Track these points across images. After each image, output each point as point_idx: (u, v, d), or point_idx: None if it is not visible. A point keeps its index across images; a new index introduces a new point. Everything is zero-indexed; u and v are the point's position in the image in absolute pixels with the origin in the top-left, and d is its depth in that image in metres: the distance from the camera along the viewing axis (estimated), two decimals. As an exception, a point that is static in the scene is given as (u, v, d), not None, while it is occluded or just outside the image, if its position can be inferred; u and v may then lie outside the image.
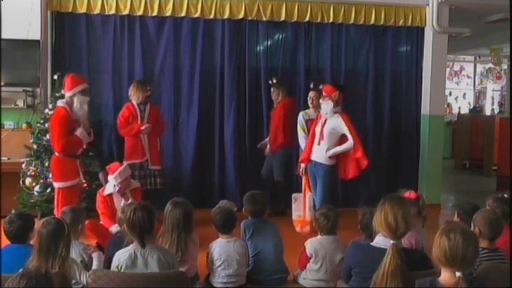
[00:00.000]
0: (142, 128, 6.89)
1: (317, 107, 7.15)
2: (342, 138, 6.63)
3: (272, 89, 7.84)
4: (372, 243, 3.42)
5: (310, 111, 7.39)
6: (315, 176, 6.72)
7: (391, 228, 3.17)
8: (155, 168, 7.01)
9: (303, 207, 6.90)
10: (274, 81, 7.80)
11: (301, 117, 7.39)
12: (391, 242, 3.12)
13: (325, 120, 6.62)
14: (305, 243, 4.33)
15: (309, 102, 7.42)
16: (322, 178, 6.63)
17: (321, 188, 6.62)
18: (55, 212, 5.72)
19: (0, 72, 6.63)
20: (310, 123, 7.19)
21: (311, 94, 7.39)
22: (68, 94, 5.83)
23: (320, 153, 6.63)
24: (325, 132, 6.57)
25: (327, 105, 6.60)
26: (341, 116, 6.58)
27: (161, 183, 7.05)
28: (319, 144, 6.63)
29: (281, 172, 7.74)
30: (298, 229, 6.87)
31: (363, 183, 8.26)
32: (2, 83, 7.24)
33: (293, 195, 7.07)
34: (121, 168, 5.82)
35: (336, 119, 6.56)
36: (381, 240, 3.32)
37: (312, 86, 7.46)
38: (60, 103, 5.84)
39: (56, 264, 3.36)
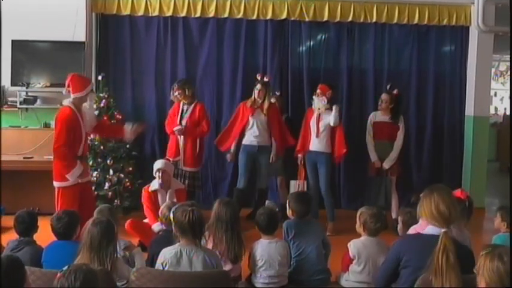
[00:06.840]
0: (174, 128, 6.91)
1: (386, 110, 7.12)
2: (332, 129, 6.94)
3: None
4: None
5: (378, 113, 7.23)
6: (316, 165, 7.01)
7: (445, 216, 3.21)
8: (187, 169, 6.92)
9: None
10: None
11: (371, 117, 7.30)
12: (443, 230, 3.11)
13: (319, 115, 6.93)
14: (348, 244, 4.29)
15: (379, 104, 7.22)
16: (325, 164, 6.99)
17: (325, 173, 7.00)
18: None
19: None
20: (376, 125, 7.18)
21: (383, 97, 7.18)
22: (78, 95, 5.47)
23: (321, 144, 6.96)
24: (321, 126, 6.92)
25: (320, 102, 6.92)
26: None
27: (189, 184, 6.84)
28: (318, 136, 6.94)
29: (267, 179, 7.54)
30: None
31: (406, 185, 8.13)
32: (48, 83, 7.47)
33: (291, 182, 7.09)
34: (160, 160, 6.07)
35: (328, 115, 6.88)
36: (430, 230, 3.27)
37: (388, 88, 7.25)
38: (66, 102, 5.50)
39: (107, 261, 3.41)
